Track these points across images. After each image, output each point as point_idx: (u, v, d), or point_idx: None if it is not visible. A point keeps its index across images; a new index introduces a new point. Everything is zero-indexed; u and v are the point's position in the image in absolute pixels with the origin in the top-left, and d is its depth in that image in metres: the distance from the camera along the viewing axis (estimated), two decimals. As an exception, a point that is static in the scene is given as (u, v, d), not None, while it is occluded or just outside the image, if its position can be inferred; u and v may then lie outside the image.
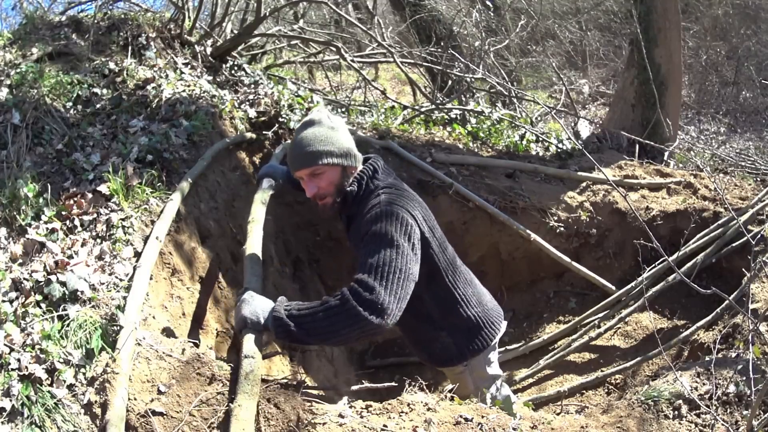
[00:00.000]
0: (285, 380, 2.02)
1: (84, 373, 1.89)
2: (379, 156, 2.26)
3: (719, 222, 3.78)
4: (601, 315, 3.83)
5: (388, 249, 1.92)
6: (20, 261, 2.30)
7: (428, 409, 1.80)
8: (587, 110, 10.46)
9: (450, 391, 2.05)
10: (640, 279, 3.70)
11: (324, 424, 1.76)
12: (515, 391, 3.73)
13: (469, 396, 2.18)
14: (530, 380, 3.73)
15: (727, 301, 1.99)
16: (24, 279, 2.15)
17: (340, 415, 1.78)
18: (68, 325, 1.98)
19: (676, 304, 3.76)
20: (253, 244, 2.54)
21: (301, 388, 1.94)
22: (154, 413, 1.78)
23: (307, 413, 1.82)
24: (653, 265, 3.76)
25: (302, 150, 2.09)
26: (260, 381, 1.86)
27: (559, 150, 5.35)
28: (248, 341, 1.93)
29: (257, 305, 1.95)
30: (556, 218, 4.18)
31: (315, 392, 2.02)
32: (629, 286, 3.82)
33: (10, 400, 1.73)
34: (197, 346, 2.26)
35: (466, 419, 1.75)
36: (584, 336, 3.73)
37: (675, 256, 3.64)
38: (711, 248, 3.61)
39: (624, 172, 4.61)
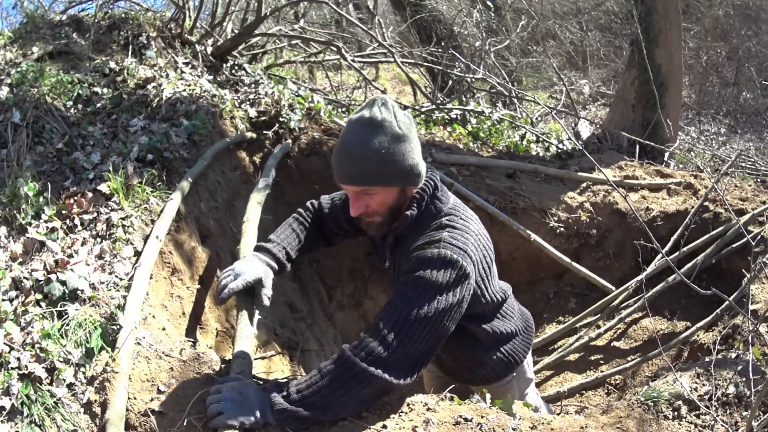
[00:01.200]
0: (284, 380, 2.02)
1: (84, 372, 1.89)
2: (434, 170, 1.87)
3: (689, 210, 3.78)
4: (599, 315, 3.83)
5: (430, 302, 1.60)
6: (20, 260, 2.31)
7: (428, 409, 1.80)
8: (587, 111, 10.47)
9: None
10: (638, 279, 3.71)
11: (322, 424, 1.75)
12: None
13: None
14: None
15: (727, 302, 1.99)
16: (24, 278, 2.15)
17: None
18: (68, 324, 1.98)
19: (676, 305, 3.76)
20: (248, 244, 2.55)
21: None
22: (154, 412, 1.78)
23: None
24: (652, 263, 3.76)
25: (353, 162, 1.66)
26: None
27: (559, 150, 5.35)
28: (241, 341, 1.93)
29: (249, 402, 1.62)
30: (556, 219, 4.18)
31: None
32: (626, 285, 3.82)
33: (10, 399, 1.73)
34: (197, 345, 2.26)
35: (466, 419, 1.75)
36: (584, 337, 3.73)
37: (674, 256, 3.64)
38: (711, 249, 3.61)
39: (624, 172, 4.61)
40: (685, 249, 3.65)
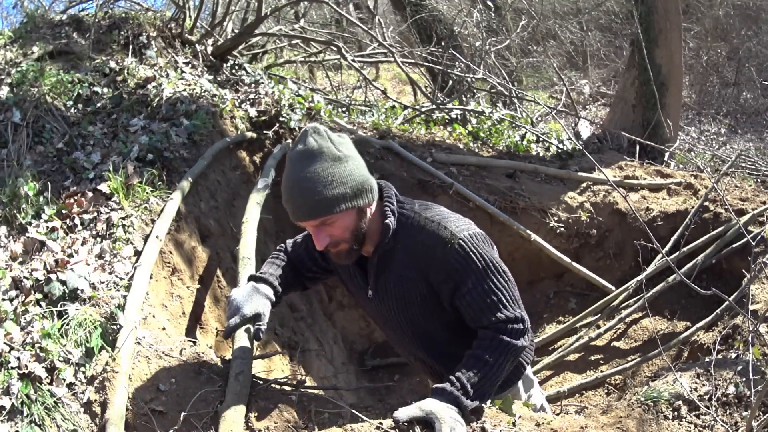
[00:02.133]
0: (284, 379, 2.02)
1: (84, 372, 1.89)
2: (387, 182, 1.86)
3: (688, 210, 3.78)
4: (600, 315, 3.83)
5: (499, 276, 1.74)
6: (20, 259, 2.31)
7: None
8: (588, 111, 10.47)
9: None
10: (638, 279, 3.71)
11: (321, 424, 1.76)
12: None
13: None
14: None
15: (727, 302, 1.99)
16: (24, 277, 2.15)
17: (339, 415, 1.78)
18: (68, 324, 1.98)
19: (676, 305, 3.76)
20: (247, 244, 2.55)
21: (300, 388, 1.94)
22: (154, 412, 1.78)
23: (306, 413, 1.82)
24: (652, 263, 3.76)
25: (305, 199, 1.62)
26: (251, 381, 1.85)
27: (559, 150, 5.35)
28: (240, 341, 1.93)
29: (455, 416, 1.65)
30: (556, 218, 4.18)
31: (314, 392, 2.02)
32: (626, 285, 3.82)
33: (10, 399, 1.73)
34: (197, 345, 2.26)
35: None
36: (584, 337, 3.73)
37: (674, 256, 3.64)
38: (711, 249, 3.61)
39: (624, 172, 4.61)
40: (685, 249, 3.65)
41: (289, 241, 2.14)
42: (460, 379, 1.67)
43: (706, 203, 3.93)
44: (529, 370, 2.20)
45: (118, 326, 2.03)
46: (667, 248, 3.72)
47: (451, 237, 1.70)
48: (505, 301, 1.73)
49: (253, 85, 4.62)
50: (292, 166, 1.65)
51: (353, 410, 1.78)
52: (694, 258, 3.63)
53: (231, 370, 1.86)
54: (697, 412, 1.88)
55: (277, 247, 2.16)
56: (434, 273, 1.73)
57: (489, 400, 1.77)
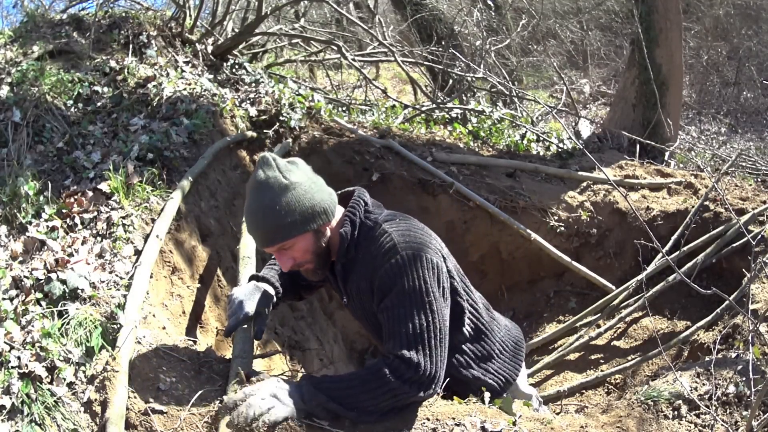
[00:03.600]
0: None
1: (84, 371, 1.89)
2: (362, 189, 1.89)
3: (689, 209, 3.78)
4: (600, 315, 3.83)
5: (422, 309, 1.64)
6: (20, 259, 2.31)
7: (427, 412, 1.80)
8: (588, 110, 10.46)
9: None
10: (638, 278, 3.70)
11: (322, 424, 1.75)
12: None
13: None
14: (530, 380, 3.72)
15: (727, 302, 1.99)
16: (24, 277, 2.15)
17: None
18: (68, 323, 1.98)
19: (676, 305, 3.76)
20: (247, 244, 2.55)
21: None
22: (154, 411, 1.78)
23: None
24: (653, 263, 3.76)
25: (257, 227, 1.71)
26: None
27: (559, 150, 5.35)
28: (240, 340, 1.93)
29: (290, 393, 1.66)
30: (556, 218, 4.18)
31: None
32: (627, 285, 3.82)
33: (10, 398, 1.73)
34: (197, 344, 2.26)
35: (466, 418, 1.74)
36: (584, 336, 3.73)
37: (674, 255, 3.63)
38: (711, 248, 3.61)
39: (624, 172, 4.61)
40: (685, 248, 3.65)
41: None
42: (324, 377, 1.70)
43: (707, 203, 3.92)
44: (523, 384, 2.15)
45: (119, 325, 2.03)
46: (667, 248, 3.72)
47: (394, 251, 1.69)
48: (411, 338, 1.62)
49: (254, 85, 4.62)
50: (248, 197, 1.74)
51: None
52: (694, 257, 3.62)
53: (231, 369, 1.86)
54: (697, 412, 1.88)
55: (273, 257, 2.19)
56: (375, 283, 1.73)
57: (345, 411, 1.64)
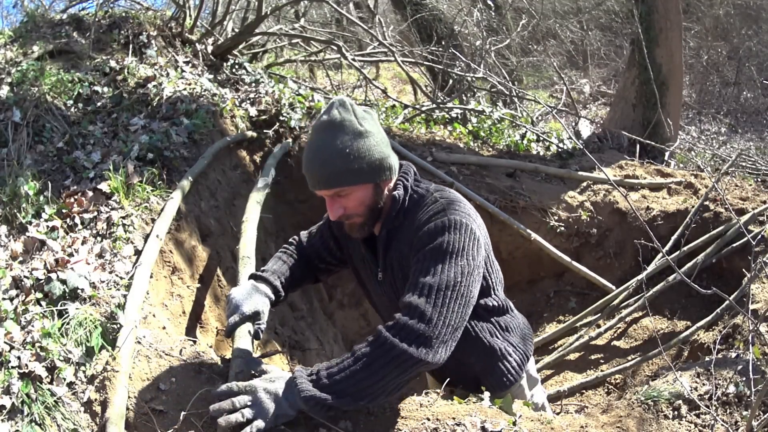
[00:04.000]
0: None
1: (84, 371, 1.89)
2: (409, 163, 1.87)
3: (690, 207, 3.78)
4: (600, 315, 3.83)
5: (453, 267, 1.58)
6: (21, 259, 2.31)
7: (428, 411, 1.80)
8: (588, 110, 10.46)
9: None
10: (639, 278, 3.71)
11: (320, 425, 1.75)
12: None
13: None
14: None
15: (727, 302, 1.99)
16: (24, 277, 2.15)
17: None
18: (68, 323, 1.98)
19: (676, 304, 3.76)
20: (247, 243, 2.55)
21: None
22: (154, 411, 1.78)
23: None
24: (653, 262, 3.76)
25: (320, 167, 1.65)
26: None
27: (559, 149, 5.35)
28: (239, 340, 1.92)
29: (279, 397, 1.56)
30: (556, 218, 4.18)
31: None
32: (627, 285, 3.82)
33: (10, 398, 1.73)
34: (197, 344, 2.26)
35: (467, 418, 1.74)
36: (584, 336, 3.73)
37: (675, 255, 3.64)
38: (711, 248, 3.61)
39: (625, 171, 4.61)
40: (685, 248, 3.65)
41: (303, 233, 2.15)
42: (320, 367, 1.56)
43: (707, 203, 3.92)
44: (532, 368, 2.17)
45: (119, 325, 2.03)
46: (667, 248, 3.72)
47: (442, 213, 1.67)
48: (429, 289, 1.56)
49: (254, 85, 4.62)
50: (314, 135, 1.68)
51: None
52: (694, 257, 3.62)
53: (231, 369, 1.86)
54: (697, 412, 1.88)
55: (289, 240, 2.17)
56: (414, 241, 1.69)
57: (354, 403, 1.52)
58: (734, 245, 3.57)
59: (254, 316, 1.88)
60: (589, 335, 3.71)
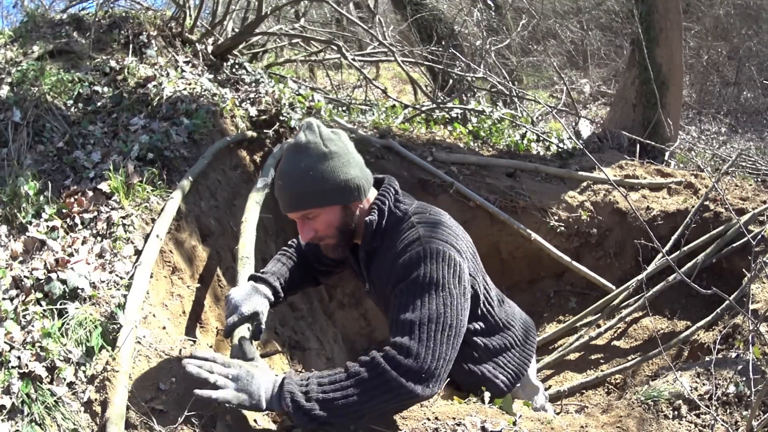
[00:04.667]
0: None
1: (84, 371, 1.89)
2: (392, 177, 1.86)
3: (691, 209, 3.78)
4: (600, 315, 3.83)
5: (434, 300, 1.55)
6: (21, 259, 2.31)
7: (428, 411, 1.80)
8: (588, 110, 10.46)
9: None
10: (639, 278, 3.71)
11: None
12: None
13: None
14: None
15: (727, 302, 1.99)
16: (24, 277, 2.15)
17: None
18: (68, 323, 1.98)
19: (676, 304, 3.76)
20: (246, 244, 2.55)
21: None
22: (154, 411, 1.78)
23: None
24: (653, 262, 3.76)
25: (286, 189, 1.67)
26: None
27: (559, 149, 5.35)
28: (237, 340, 1.92)
29: (258, 383, 1.54)
30: (556, 218, 4.18)
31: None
32: (627, 285, 3.82)
33: (10, 398, 1.73)
34: (197, 344, 2.26)
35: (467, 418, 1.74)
36: (584, 336, 3.73)
37: (675, 255, 3.64)
38: (711, 248, 3.61)
39: (625, 171, 4.61)
40: (685, 248, 3.65)
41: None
42: (311, 376, 1.55)
43: (707, 202, 3.92)
44: (532, 376, 2.16)
45: (119, 325, 2.03)
46: (667, 247, 3.72)
47: (417, 243, 1.64)
48: (412, 326, 1.52)
49: (254, 84, 4.62)
50: (283, 158, 1.71)
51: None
52: (694, 257, 3.62)
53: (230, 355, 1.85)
54: (697, 412, 1.88)
55: (289, 242, 2.18)
56: (392, 274, 1.68)
57: (334, 418, 1.49)
58: (734, 245, 3.57)
59: (253, 317, 1.88)
60: (589, 335, 3.72)
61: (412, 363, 1.49)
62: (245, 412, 1.73)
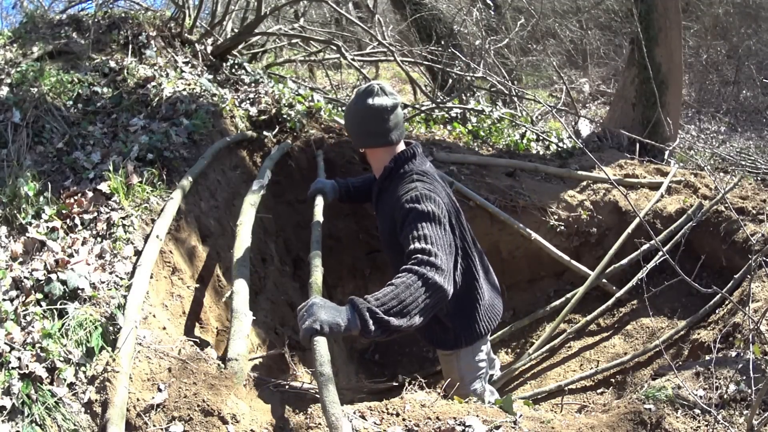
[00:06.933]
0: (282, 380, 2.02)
1: (84, 372, 1.89)
2: (417, 143, 2.38)
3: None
4: (599, 314, 3.83)
5: (434, 224, 2.05)
6: (21, 259, 2.31)
7: (429, 411, 1.80)
8: (588, 109, 10.46)
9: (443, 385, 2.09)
10: (638, 277, 3.70)
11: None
12: (514, 387, 3.74)
13: (455, 381, 2.42)
14: (528, 374, 3.72)
15: (728, 302, 1.99)
16: (24, 277, 2.15)
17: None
18: (68, 324, 1.98)
19: (676, 303, 3.76)
20: (241, 246, 2.55)
21: (301, 388, 1.94)
22: (155, 411, 1.78)
23: (303, 412, 1.82)
24: (652, 261, 3.76)
25: (349, 128, 2.40)
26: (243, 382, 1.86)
27: (559, 149, 5.35)
28: (238, 341, 1.92)
29: (331, 310, 1.82)
30: (556, 217, 4.18)
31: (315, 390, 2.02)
32: (628, 286, 3.82)
33: (11, 399, 1.73)
34: (197, 344, 2.26)
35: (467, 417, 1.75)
36: (575, 324, 3.73)
37: (668, 247, 3.63)
38: (681, 221, 3.61)
39: (624, 171, 4.61)
40: (683, 247, 3.64)
41: None
42: (366, 296, 1.85)
43: (706, 201, 3.92)
44: (473, 357, 2.53)
45: (119, 326, 2.03)
46: (667, 247, 3.71)
47: (414, 190, 2.17)
48: (425, 238, 1.99)
49: (253, 85, 4.62)
50: (356, 96, 2.36)
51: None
52: (694, 256, 3.62)
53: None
54: (697, 411, 1.88)
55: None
56: (396, 215, 2.19)
57: (396, 321, 1.81)
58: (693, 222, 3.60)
59: (324, 192, 2.82)
60: (588, 330, 3.71)
61: (431, 258, 1.92)
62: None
